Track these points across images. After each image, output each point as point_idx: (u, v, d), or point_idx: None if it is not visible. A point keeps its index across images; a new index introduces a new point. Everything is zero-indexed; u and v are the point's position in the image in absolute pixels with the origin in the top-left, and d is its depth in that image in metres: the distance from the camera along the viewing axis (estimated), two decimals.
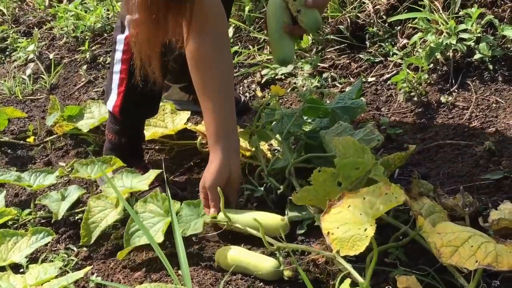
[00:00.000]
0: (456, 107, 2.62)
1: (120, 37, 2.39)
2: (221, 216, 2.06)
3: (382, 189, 1.75)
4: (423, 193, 1.97)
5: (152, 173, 2.27)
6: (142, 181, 2.25)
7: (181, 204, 2.13)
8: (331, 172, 1.85)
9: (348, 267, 1.77)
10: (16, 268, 2.10)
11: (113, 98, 2.44)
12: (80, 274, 1.76)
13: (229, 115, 2.19)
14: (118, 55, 2.41)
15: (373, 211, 1.70)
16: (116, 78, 2.42)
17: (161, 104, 2.74)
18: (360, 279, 1.72)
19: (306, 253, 1.96)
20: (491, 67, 2.68)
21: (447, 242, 1.61)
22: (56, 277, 1.92)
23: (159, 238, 2.01)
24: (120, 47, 2.40)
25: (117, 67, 2.41)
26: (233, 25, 3.40)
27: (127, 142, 2.52)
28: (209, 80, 2.17)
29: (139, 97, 2.40)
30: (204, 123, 2.24)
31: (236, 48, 3.32)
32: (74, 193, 2.36)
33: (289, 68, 3.09)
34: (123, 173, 2.30)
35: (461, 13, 2.81)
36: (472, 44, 2.71)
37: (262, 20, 3.33)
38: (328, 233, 1.68)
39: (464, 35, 2.71)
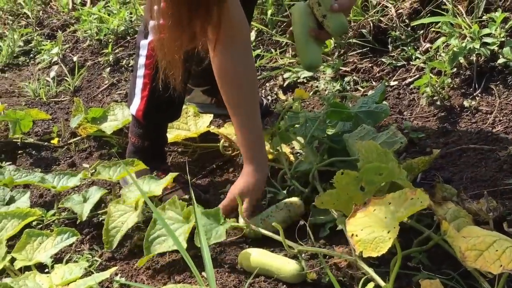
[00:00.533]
0: (479, 111, 2.61)
1: (144, 43, 2.40)
2: (241, 221, 2.09)
3: (408, 195, 1.75)
4: (446, 198, 1.97)
5: (168, 177, 2.27)
6: (158, 185, 2.25)
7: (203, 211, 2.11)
8: (354, 175, 1.84)
9: (370, 271, 1.77)
10: (41, 268, 2.09)
11: (136, 102, 2.44)
12: (105, 274, 1.77)
13: (259, 128, 2.24)
14: (142, 60, 2.42)
15: (397, 214, 1.70)
16: (139, 82, 2.43)
17: (184, 106, 2.72)
18: (382, 282, 1.72)
19: (327, 256, 1.95)
20: None
21: (472, 246, 1.60)
22: (81, 277, 1.92)
23: (183, 244, 2.00)
24: (143, 52, 2.41)
25: (141, 72, 2.42)
26: (256, 28, 3.41)
27: (150, 145, 2.52)
28: (238, 95, 2.22)
29: (162, 101, 2.40)
30: (236, 135, 2.31)
31: (258, 51, 3.33)
32: (95, 194, 2.36)
33: (311, 71, 3.09)
34: (146, 179, 2.30)
35: (484, 17, 2.80)
36: (496, 48, 2.69)
37: (285, 24, 3.34)
38: (352, 235, 1.69)
39: (488, 40, 2.69)
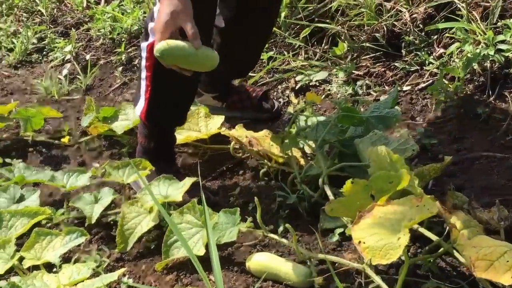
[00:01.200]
0: (493, 118, 2.60)
1: (144, 45, 2.40)
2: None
3: (413, 201, 1.76)
4: (457, 205, 1.96)
5: (188, 181, 2.27)
6: (177, 190, 2.24)
7: (218, 214, 2.12)
8: (363, 184, 1.84)
9: (378, 278, 1.77)
10: (49, 267, 2.10)
11: (141, 104, 2.45)
12: (114, 276, 1.78)
13: None
14: (143, 62, 2.42)
15: (406, 221, 1.69)
16: (143, 84, 2.43)
17: (195, 108, 2.76)
18: None
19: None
20: None
21: (482, 256, 1.60)
22: (89, 277, 1.93)
23: (200, 250, 2.03)
24: (144, 54, 2.41)
25: (143, 74, 2.43)
26: None
27: (156, 146, 2.53)
28: None
29: (164, 104, 2.42)
30: None
31: (271, 53, 3.32)
32: (107, 196, 2.37)
33: (324, 74, 3.09)
34: (161, 180, 2.30)
35: (499, 23, 2.80)
36: (510, 55, 2.68)
37: (298, 26, 3.34)
38: (360, 242, 1.69)
39: (502, 46, 2.68)
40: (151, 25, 2.30)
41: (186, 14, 2.02)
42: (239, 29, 2.65)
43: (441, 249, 1.80)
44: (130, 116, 2.87)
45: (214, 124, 2.73)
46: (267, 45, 3.35)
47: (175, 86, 2.37)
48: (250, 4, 2.59)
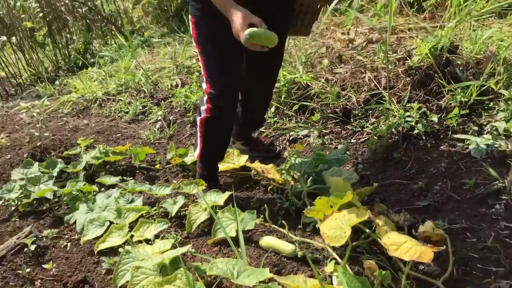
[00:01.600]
0: (402, 160, 2.58)
1: (197, 118, 2.32)
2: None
3: (355, 210, 1.77)
4: (380, 212, 1.97)
5: (226, 193, 2.29)
6: (220, 198, 2.27)
7: (244, 213, 2.13)
8: (327, 199, 1.84)
9: (334, 253, 1.81)
10: (147, 242, 2.15)
11: (197, 150, 2.43)
12: (185, 248, 1.80)
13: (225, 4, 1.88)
14: (198, 127, 2.36)
15: (350, 221, 1.71)
16: (198, 138, 2.40)
17: (231, 150, 2.79)
18: (340, 260, 1.76)
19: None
20: (424, 137, 2.64)
21: (393, 242, 1.62)
22: (170, 248, 1.96)
23: (232, 233, 2.03)
24: (198, 123, 2.34)
25: (198, 133, 2.38)
26: (274, 105, 3.41)
27: (207, 173, 2.51)
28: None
29: (211, 149, 2.39)
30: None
31: (275, 119, 3.32)
32: (181, 200, 2.40)
33: (306, 132, 3.07)
34: (211, 192, 2.33)
35: (407, 105, 2.81)
36: (413, 123, 2.69)
37: (291, 104, 3.33)
38: (324, 233, 1.70)
39: (409, 119, 2.69)
40: (202, 108, 2.26)
41: (249, 14, 1.83)
42: (251, 86, 2.47)
43: (370, 237, 1.82)
44: (195, 154, 2.86)
45: (242, 159, 2.75)
46: (273, 113, 3.36)
47: (217, 140, 2.35)
48: (256, 62, 2.36)
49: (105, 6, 7.10)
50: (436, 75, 2.81)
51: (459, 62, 2.82)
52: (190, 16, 2.13)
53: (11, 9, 7.08)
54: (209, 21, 2.06)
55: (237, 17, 1.80)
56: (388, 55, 3.12)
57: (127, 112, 4.16)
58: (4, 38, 6.19)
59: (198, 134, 2.38)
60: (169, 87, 4.32)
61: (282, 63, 3.25)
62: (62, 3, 6.54)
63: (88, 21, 6.83)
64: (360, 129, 2.97)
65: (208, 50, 2.10)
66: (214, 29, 2.05)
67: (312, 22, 2.39)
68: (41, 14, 6.57)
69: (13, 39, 6.01)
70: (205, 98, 2.23)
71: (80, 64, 6.24)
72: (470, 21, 3.11)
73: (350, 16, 3.79)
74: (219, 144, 2.42)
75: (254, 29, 1.76)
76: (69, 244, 2.27)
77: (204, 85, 2.21)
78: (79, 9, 6.70)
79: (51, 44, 6.47)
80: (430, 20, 3.89)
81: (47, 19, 6.38)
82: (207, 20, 2.07)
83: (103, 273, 2.03)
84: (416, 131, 2.66)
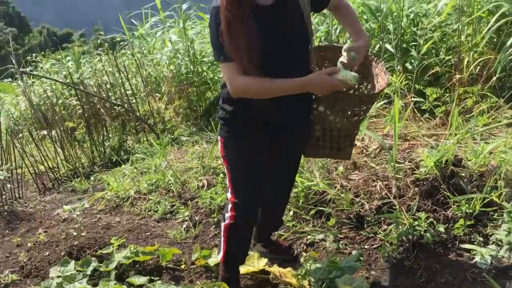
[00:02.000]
0: (413, 268, 2.66)
1: (222, 224, 2.44)
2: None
3: None
4: None
5: None
6: None
7: None
8: None
9: None
10: None
11: (220, 253, 2.54)
12: None
13: (289, 84, 1.97)
14: (222, 232, 2.47)
15: None
16: (222, 242, 2.51)
17: (252, 253, 2.88)
18: None
19: None
20: (433, 246, 2.74)
21: None
22: None
23: None
24: (222, 228, 2.46)
25: (222, 238, 2.53)
26: (292, 210, 3.51)
27: (229, 275, 2.59)
28: (264, 93, 2.04)
29: (234, 254, 2.50)
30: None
31: (294, 222, 3.43)
32: None
33: (322, 236, 3.14)
34: None
35: (416, 215, 2.93)
36: (422, 232, 2.80)
37: (308, 208, 3.44)
38: None
39: (418, 227, 2.82)
40: (226, 214, 2.41)
41: (323, 73, 1.93)
42: (271, 198, 2.60)
43: None
44: (219, 256, 2.96)
45: (261, 262, 2.82)
46: (291, 217, 3.45)
47: (239, 245, 2.49)
48: (278, 177, 2.49)
49: (140, 106, 7.67)
50: (441, 187, 3.02)
51: (463, 175, 3.04)
52: (219, 137, 2.42)
53: (53, 105, 7.77)
54: (238, 142, 2.29)
55: (317, 74, 1.91)
56: (398, 165, 3.34)
57: (156, 211, 4.27)
58: (45, 132, 6.67)
59: (222, 238, 2.49)
60: (196, 187, 4.47)
61: (300, 169, 3.43)
62: (102, 104, 7.14)
63: (123, 119, 7.36)
64: (373, 235, 3.06)
65: (235, 167, 2.33)
66: (242, 150, 2.29)
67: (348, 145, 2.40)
68: (80, 111, 7.09)
69: (53, 132, 6.37)
70: (230, 205, 2.42)
71: (114, 160, 6.55)
72: (473, 136, 3.37)
73: (365, 124, 4.06)
74: (241, 249, 2.57)
75: (344, 71, 1.92)
76: None
77: (229, 195, 2.43)
78: (115, 107, 7.24)
79: (89, 141, 6.93)
80: (442, 126, 4.17)
81: (86, 114, 6.90)
82: (236, 141, 2.30)
83: None
84: (424, 240, 2.77)
